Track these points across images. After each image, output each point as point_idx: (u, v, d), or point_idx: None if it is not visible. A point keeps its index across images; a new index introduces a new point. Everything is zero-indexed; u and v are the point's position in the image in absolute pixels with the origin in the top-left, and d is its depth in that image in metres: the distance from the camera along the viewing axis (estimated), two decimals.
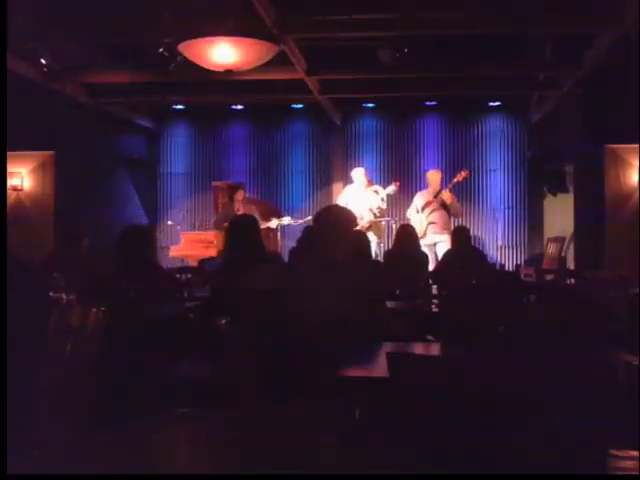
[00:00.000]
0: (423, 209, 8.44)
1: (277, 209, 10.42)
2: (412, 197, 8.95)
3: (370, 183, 8.84)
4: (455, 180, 8.72)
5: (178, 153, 11.55)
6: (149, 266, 4.29)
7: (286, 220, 9.41)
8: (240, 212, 8.38)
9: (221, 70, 6.44)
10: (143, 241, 4.30)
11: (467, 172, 8.92)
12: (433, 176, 8.72)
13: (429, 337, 3.57)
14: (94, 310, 2.35)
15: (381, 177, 10.47)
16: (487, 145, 10.86)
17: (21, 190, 8.80)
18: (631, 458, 1.66)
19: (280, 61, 7.45)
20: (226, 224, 8.27)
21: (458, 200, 8.75)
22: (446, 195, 8.45)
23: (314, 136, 11.21)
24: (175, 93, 9.72)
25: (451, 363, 1.77)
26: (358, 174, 8.79)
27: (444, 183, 8.81)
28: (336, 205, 6.61)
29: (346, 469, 1.44)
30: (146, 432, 1.62)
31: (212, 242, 9.19)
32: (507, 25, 6.86)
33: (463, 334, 3.02)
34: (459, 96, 10.24)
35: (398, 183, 8.88)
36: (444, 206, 8.44)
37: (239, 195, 8.84)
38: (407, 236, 6.44)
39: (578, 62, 7.60)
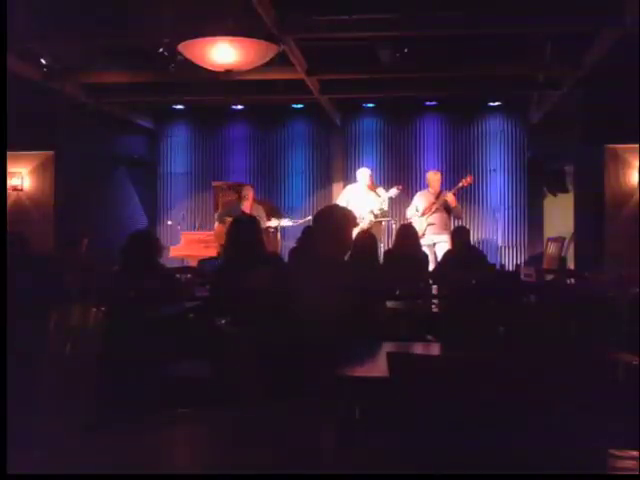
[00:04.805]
0: (424, 213, 8.44)
1: (278, 209, 10.41)
2: (412, 197, 8.94)
3: (373, 185, 8.82)
4: (460, 185, 8.74)
5: (178, 153, 11.54)
6: (158, 271, 4.28)
7: (285, 222, 9.34)
8: (248, 211, 8.28)
9: (221, 70, 6.43)
10: (151, 247, 4.28)
11: (471, 178, 8.93)
12: (433, 177, 8.73)
13: (429, 337, 3.56)
14: (94, 310, 2.35)
15: (381, 177, 10.46)
16: (487, 145, 10.85)
17: (21, 190, 8.80)
18: (631, 458, 1.66)
19: (280, 61, 7.44)
20: (229, 219, 8.21)
21: (458, 201, 8.76)
22: (450, 198, 8.46)
23: (314, 136, 11.19)
24: (175, 93, 9.71)
25: (451, 363, 1.76)
26: (363, 174, 8.76)
27: (444, 183, 8.81)
28: (336, 205, 6.60)
29: (346, 469, 1.44)
30: (146, 432, 1.62)
31: (212, 241, 9.01)
32: (507, 25, 6.86)
33: (463, 334, 3.02)
34: (459, 96, 10.23)
35: (401, 187, 8.88)
36: (445, 207, 8.45)
37: (249, 193, 8.51)
38: (407, 236, 6.43)
39: (578, 62, 7.59)
